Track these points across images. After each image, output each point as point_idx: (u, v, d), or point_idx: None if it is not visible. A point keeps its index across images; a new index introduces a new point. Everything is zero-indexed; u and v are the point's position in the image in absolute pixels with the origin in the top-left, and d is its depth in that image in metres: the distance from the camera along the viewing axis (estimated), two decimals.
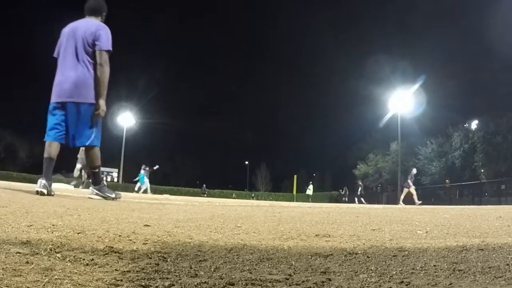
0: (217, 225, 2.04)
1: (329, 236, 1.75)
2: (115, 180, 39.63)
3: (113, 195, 4.16)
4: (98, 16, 4.14)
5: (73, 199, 3.63)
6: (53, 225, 1.57)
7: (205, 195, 33.09)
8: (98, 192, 4.06)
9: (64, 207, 2.50)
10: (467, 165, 33.79)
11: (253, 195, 43.05)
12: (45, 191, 3.73)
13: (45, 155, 3.93)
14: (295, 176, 34.47)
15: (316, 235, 1.76)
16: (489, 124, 32.78)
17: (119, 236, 1.43)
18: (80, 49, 3.88)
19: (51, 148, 3.93)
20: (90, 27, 3.93)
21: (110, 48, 3.97)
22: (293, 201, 28.37)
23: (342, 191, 31.04)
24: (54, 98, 3.95)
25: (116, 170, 40.45)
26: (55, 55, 4.06)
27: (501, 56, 37.19)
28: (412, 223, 2.53)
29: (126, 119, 37.57)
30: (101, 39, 3.90)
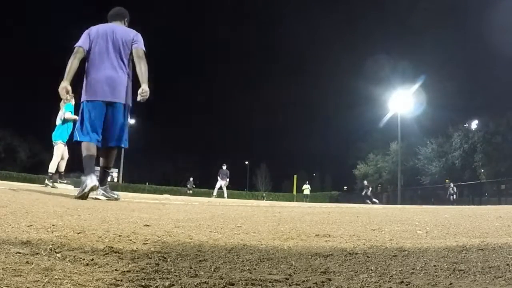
0: (217, 225, 2.04)
1: (329, 236, 1.75)
2: (115, 180, 39.59)
3: (115, 196, 4.24)
4: (122, 21, 4.31)
5: (73, 199, 3.63)
6: (53, 225, 1.57)
7: (191, 191, 29.87)
8: (104, 192, 4.11)
9: (64, 207, 2.50)
10: (467, 165, 33.76)
11: (264, 194, 42.84)
12: (96, 184, 3.84)
13: (86, 153, 3.90)
14: (295, 176, 34.49)
15: (316, 235, 1.76)
16: (489, 124, 32.75)
17: (119, 236, 1.43)
18: (121, 52, 4.04)
19: (92, 148, 3.94)
20: (129, 33, 4.14)
21: (145, 50, 4.15)
22: (293, 201, 28.39)
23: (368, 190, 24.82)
24: (93, 96, 3.95)
25: (116, 170, 40.46)
26: (81, 44, 3.97)
27: (501, 56, 37.17)
28: (412, 223, 2.53)
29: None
30: (139, 41, 4.13)
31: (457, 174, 33.12)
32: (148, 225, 1.84)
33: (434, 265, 1.08)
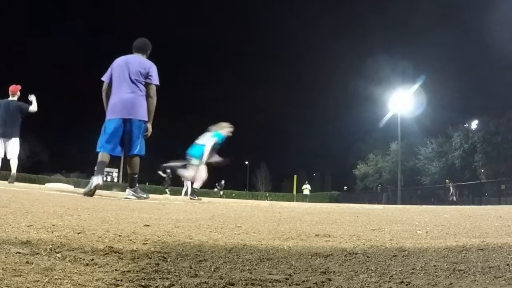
0: (217, 225, 2.04)
1: (329, 236, 1.75)
2: (115, 180, 39.55)
3: (145, 195, 4.92)
4: (144, 54, 4.99)
5: (73, 199, 3.63)
6: (53, 225, 1.57)
7: (222, 192, 28.80)
8: (133, 193, 4.76)
9: (64, 207, 2.50)
10: (467, 165, 33.77)
11: (267, 194, 42.71)
12: (100, 183, 4.53)
13: (100, 159, 4.67)
14: (295, 176, 34.45)
15: (316, 235, 1.76)
16: (489, 124, 32.75)
17: (119, 236, 1.43)
18: (134, 78, 4.72)
19: (105, 157, 4.68)
20: (144, 63, 4.84)
21: (158, 83, 4.87)
22: (293, 201, 28.36)
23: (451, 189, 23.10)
24: (112, 115, 4.75)
25: (116, 170, 40.44)
26: (105, 79, 4.83)
27: (501, 56, 37.16)
28: (412, 223, 2.54)
29: None
30: (153, 75, 4.82)
31: (457, 174, 33.11)
32: (148, 225, 1.84)
33: (434, 265, 1.08)
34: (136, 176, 4.86)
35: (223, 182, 31.12)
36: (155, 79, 4.82)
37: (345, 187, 58.11)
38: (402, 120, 30.72)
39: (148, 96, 4.79)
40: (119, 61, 4.86)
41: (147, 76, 4.76)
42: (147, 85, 4.78)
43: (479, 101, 41.05)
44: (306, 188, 32.90)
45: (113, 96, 4.78)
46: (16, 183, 7.81)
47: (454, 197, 23.00)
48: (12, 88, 7.81)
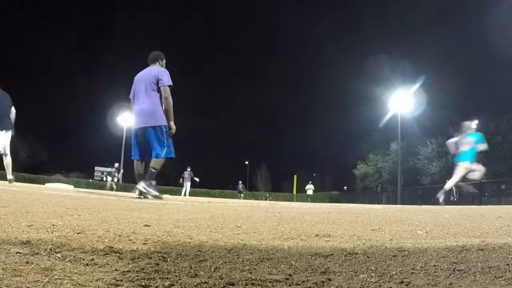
0: (217, 225, 2.04)
1: (329, 236, 1.75)
2: (115, 180, 39.51)
3: (153, 193, 5.10)
4: (156, 63, 5.43)
5: (73, 199, 3.63)
6: (53, 225, 1.57)
7: (242, 196, 29.06)
8: (145, 186, 5.04)
9: (64, 207, 2.50)
10: None
11: (267, 194, 42.74)
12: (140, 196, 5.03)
13: (136, 172, 5.27)
14: (295, 176, 34.45)
15: (316, 235, 1.76)
16: (489, 124, 32.74)
17: (119, 236, 1.43)
18: (148, 88, 5.19)
19: (138, 166, 5.27)
20: (153, 71, 5.28)
21: (171, 83, 5.18)
22: (293, 201, 28.36)
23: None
24: (134, 125, 5.39)
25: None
26: (131, 97, 5.43)
27: (501, 56, 37.15)
28: (412, 223, 2.53)
29: (126, 119, 37.51)
30: (163, 78, 5.17)
31: None
32: (148, 225, 1.84)
33: (434, 265, 1.08)
34: (155, 171, 5.10)
35: (241, 185, 31.39)
36: (166, 81, 5.14)
37: (345, 187, 58.05)
38: (402, 120, 30.68)
39: (163, 97, 5.13)
40: (138, 76, 5.38)
41: (158, 81, 5.13)
42: (160, 89, 5.14)
43: (479, 101, 41.02)
44: (310, 188, 32.96)
45: (134, 107, 5.35)
46: (16, 183, 7.66)
47: (455, 198, 22.94)
48: None
